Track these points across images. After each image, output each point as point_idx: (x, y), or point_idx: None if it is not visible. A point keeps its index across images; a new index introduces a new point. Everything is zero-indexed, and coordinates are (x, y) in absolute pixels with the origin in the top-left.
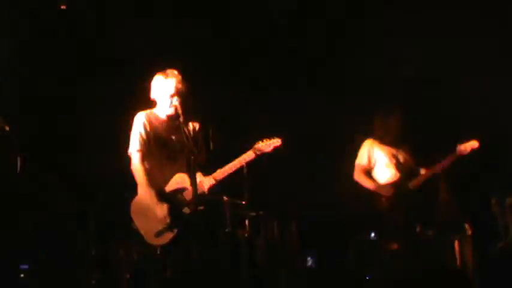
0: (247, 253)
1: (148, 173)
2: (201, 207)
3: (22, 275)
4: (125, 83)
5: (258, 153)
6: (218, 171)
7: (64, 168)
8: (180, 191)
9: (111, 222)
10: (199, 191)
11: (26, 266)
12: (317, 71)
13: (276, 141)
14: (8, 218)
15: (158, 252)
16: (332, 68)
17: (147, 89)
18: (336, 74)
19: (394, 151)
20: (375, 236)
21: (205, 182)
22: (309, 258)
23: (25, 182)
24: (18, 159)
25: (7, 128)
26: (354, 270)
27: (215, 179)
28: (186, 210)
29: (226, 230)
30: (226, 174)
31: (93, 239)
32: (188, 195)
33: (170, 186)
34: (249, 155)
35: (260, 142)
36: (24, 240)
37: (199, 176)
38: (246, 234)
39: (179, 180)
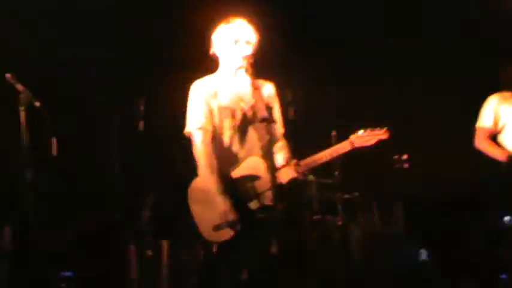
0: (341, 246)
1: (212, 155)
2: (279, 205)
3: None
4: None
5: (357, 145)
6: (303, 161)
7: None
8: (251, 178)
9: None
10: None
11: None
12: None
13: (382, 133)
14: None
15: (214, 250)
16: None
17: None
18: None
19: None
20: (510, 219)
21: (284, 173)
22: (421, 251)
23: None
24: (53, 140)
25: (37, 104)
26: (482, 266)
27: (297, 172)
28: (255, 204)
29: (314, 217)
30: (312, 166)
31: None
32: (261, 186)
33: (240, 171)
34: (343, 147)
35: (358, 132)
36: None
37: (279, 156)
38: (339, 222)
39: (252, 165)
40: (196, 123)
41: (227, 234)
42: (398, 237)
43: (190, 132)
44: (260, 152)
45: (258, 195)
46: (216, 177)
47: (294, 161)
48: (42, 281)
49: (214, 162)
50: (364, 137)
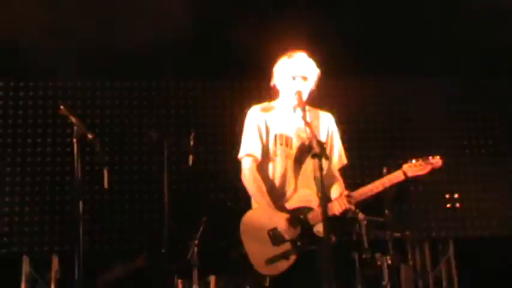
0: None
1: (260, 179)
2: (333, 239)
3: None
4: None
5: (410, 175)
6: (355, 192)
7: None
8: (304, 211)
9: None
10: (329, 214)
11: None
12: None
13: (436, 162)
14: None
15: (266, 284)
16: None
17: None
18: None
19: None
20: None
21: (337, 204)
22: None
23: None
24: (105, 171)
25: (90, 136)
26: None
27: (350, 203)
28: (298, 240)
29: (364, 255)
30: (365, 197)
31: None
32: (313, 218)
33: (291, 204)
34: (396, 177)
35: (411, 162)
36: None
37: (334, 190)
38: (389, 261)
39: (304, 197)
40: (246, 150)
41: (281, 266)
42: (449, 278)
43: (240, 158)
44: (313, 184)
45: (311, 227)
46: (268, 197)
47: (346, 192)
48: None
49: (263, 185)
50: (417, 166)
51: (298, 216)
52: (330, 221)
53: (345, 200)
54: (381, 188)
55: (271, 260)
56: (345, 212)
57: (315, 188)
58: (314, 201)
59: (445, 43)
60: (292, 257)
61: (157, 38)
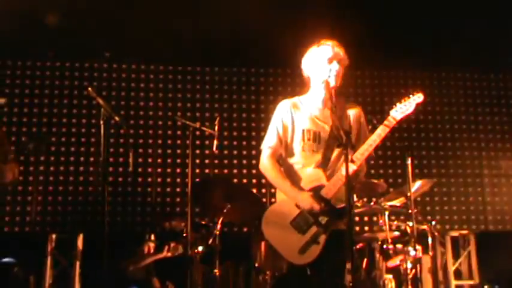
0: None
1: (278, 167)
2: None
3: None
4: None
5: (399, 117)
6: (356, 153)
7: None
8: (318, 189)
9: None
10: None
11: None
12: None
13: (417, 97)
14: None
15: (308, 273)
16: None
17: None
18: None
19: None
20: None
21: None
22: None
23: None
24: (130, 154)
25: (117, 118)
26: None
27: (355, 164)
28: (323, 219)
29: (385, 246)
30: (367, 153)
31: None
32: (327, 193)
33: (305, 185)
34: (388, 124)
35: (396, 106)
36: None
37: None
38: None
39: (312, 177)
40: (268, 142)
41: (315, 251)
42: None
43: (262, 149)
44: (331, 169)
45: (328, 201)
46: (289, 182)
47: (349, 159)
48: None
49: (281, 171)
50: (402, 108)
51: (317, 193)
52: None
53: (352, 165)
54: (378, 140)
55: (303, 249)
56: (357, 174)
57: (321, 170)
58: (323, 178)
59: None
60: (322, 239)
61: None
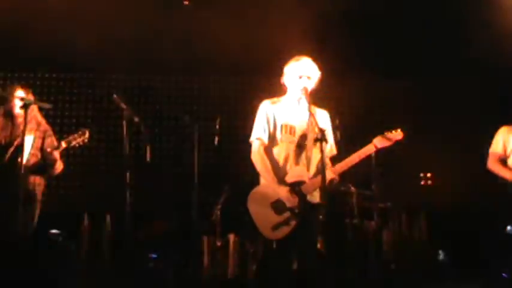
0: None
1: (266, 159)
2: (323, 202)
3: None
4: None
5: (379, 146)
6: (337, 165)
7: None
8: (299, 184)
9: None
10: (319, 185)
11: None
12: None
13: (398, 134)
14: None
15: (274, 246)
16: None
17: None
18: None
19: None
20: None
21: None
22: (440, 252)
23: None
24: (148, 148)
25: (136, 119)
26: (488, 266)
27: (335, 173)
28: (296, 209)
29: (354, 221)
30: (346, 167)
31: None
32: (306, 189)
33: (289, 178)
34: (369, 149)
35: (380, 136)
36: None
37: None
38: (374, 227)
39: (297, 173)
40: (256, 134)
41: (284, 231)
42: (421, 240)
43: (251, 141)
44: (313, 167)
45: (305, 196)
46: (273, 173)
47: (329, 166)
48: (135, 261)
49: (268, 164)
50: (384, 139)
51: (295, 188)
52: (326, 191)
53: (330, 172)
54: (357, 160)
55: (276, 227)
56: (331, 182)
57: (309, 167)
58: (305, 176)
59: None
60: (293, 223)
61: None
